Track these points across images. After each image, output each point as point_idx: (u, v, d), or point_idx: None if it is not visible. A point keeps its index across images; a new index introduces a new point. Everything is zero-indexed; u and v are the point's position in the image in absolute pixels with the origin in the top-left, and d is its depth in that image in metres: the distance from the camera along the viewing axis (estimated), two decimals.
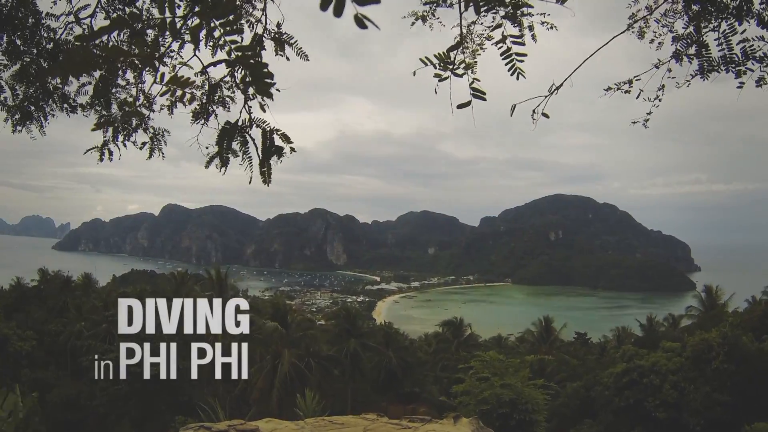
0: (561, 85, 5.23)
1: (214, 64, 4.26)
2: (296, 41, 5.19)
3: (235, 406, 39.16)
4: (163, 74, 4.41)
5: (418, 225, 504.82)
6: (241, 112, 4.75)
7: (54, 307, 55.14)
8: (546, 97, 5.17)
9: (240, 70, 4.23)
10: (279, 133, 4.70)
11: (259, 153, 4.73)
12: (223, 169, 4.81)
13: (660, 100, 5.28)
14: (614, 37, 5.20)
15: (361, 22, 2.73)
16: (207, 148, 4.92)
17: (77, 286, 62.28)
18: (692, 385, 25.45)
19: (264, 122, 4.70)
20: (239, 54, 3.90)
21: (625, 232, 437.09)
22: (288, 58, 5.26)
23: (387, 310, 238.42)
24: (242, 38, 3.89)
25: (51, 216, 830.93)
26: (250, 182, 4.81)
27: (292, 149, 4.76)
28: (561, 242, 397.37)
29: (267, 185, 4.85)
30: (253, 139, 4.76)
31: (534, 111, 5.18)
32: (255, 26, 5.14)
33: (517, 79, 4.75)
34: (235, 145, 4.74)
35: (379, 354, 45.65)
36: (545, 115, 5.19)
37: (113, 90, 5.54)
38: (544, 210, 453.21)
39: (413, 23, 5.17)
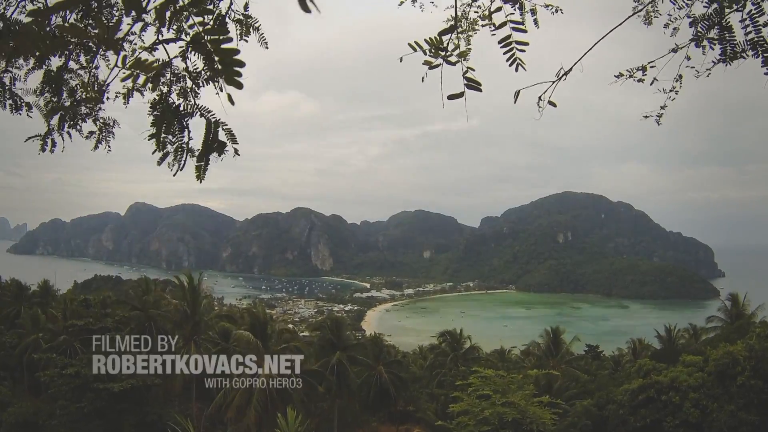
0: (570, 70, 5.17)
1: (174, 40, 4.12)
2: (260, 25, 5.08)
3: (209, 426, 39.04)
4: (125, 57, 4.34)
5: (412, 226, 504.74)
6: (187, 96, 4.67)
7: (8, 316, 54.77)
8: (553, 83, 5.11)
9: (194, 53, 4.07)
10: (225, 127, 4.60)
11: (190, 146, 4.67)
12: (158, 155, 4.72)
13: (677, 92, 5.21)
14: (625, 20, 5.14)
15: (303, 4, 2.74)
16: (141, 134, 4.77)
17: (35, 293, 61.91)
18: (716, 403, 25.42)
19: (209, 111, 4.58)
20: (208, 37, 3.68)
21: (641, 234, 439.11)
22: (247, 41, 5.14)
23: (377, 319, 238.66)
24: (210, 19, 3.80)
25: (5, 216, 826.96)
26: (174, 175, 4.78)
27: (236, 151, 4.68)
28: (570, 245, 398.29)
29: (200, 182, 4.75)
30: (189, 130, 4.69)
31: (540, 98, 5.14)
32: (217, 5, 4.81)
33: (516, 70, 4.68)
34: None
35: (369, 368, 45.55)
36: (552, 104, 5.14)
37: (65, 75, 5.45)
38: (552, 209, 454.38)
39: (401, 2, 5.11)
